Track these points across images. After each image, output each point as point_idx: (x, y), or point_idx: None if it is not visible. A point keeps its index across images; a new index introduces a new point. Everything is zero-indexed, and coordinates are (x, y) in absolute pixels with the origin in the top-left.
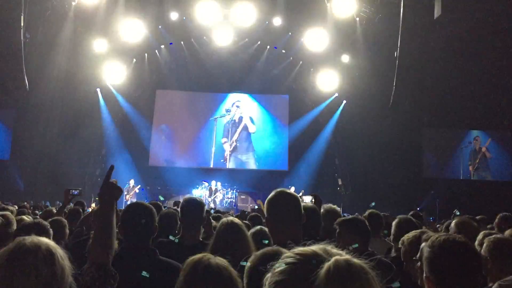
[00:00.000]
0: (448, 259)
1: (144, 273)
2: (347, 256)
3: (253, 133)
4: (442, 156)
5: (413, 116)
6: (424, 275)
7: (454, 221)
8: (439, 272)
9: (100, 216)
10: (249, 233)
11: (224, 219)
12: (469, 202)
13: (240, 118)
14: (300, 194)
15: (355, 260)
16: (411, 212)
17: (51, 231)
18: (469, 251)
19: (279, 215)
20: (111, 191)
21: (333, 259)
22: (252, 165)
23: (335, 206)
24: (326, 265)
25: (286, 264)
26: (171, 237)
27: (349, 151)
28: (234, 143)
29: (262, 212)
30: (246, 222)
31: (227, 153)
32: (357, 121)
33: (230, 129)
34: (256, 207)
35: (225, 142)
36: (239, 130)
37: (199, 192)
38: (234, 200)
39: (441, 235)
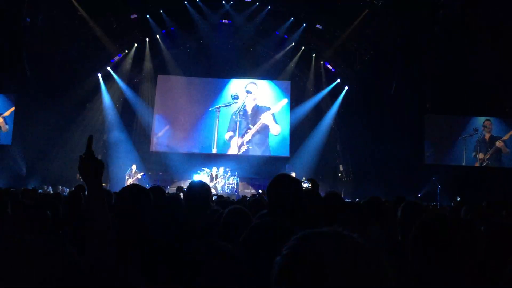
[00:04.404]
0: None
1: None
2: (357, 239)
3: (276, 135)
4: (444, 143)
5: (415, 102)
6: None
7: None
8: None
9: (91, 203)
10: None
11: (231, 207)
12: (471, 189)
13: (256, 108)
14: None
15: (365, 243)
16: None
17: (48, 213)
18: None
19: (281, 200)
20: (93, 165)
21: (343, 241)
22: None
23: (337, 192)
24: (335, 247)
25: (294, 246)
26: None
27: (351, 137)
28: (245, 147)
29: (263, 197)
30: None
31: (234, 149)
32: (359, 108)
33: (238, 121)
34: (260, 191)
35: (231, 137)
36: (253, 131)
37: (201, 178)
38: (235, 186)
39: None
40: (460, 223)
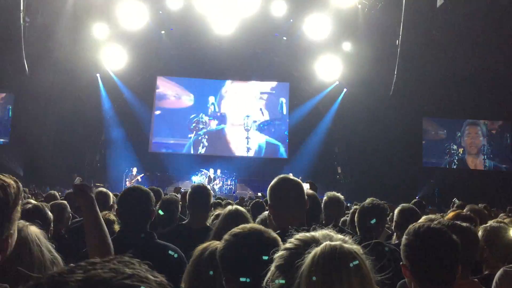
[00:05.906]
0: (421, 246)
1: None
2: (339, 242)
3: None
4: (441, 145)
5: (413, 105)
6: (401, 262)
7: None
8: (413, 259)
9: (88, 220)
10: (258, 219)
11: (230, 207)
12: (468, 191)
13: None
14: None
15: (346, 246)
16: (414, 201)
17: (50, 214)
18: (443, 238)
19: (282, 202)
20: (82, 193)
21: (323, 244)
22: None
23: (338, 194)
24: (314, 250)
25: (286, 249)
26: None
27: (349, 139)
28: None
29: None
30: (248, 208)
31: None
32: (357, 110)
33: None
34: (260, 194)
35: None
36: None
37: (199, 179)
38: (233, 188)
39: (418, 223)
40: (445, 232)
